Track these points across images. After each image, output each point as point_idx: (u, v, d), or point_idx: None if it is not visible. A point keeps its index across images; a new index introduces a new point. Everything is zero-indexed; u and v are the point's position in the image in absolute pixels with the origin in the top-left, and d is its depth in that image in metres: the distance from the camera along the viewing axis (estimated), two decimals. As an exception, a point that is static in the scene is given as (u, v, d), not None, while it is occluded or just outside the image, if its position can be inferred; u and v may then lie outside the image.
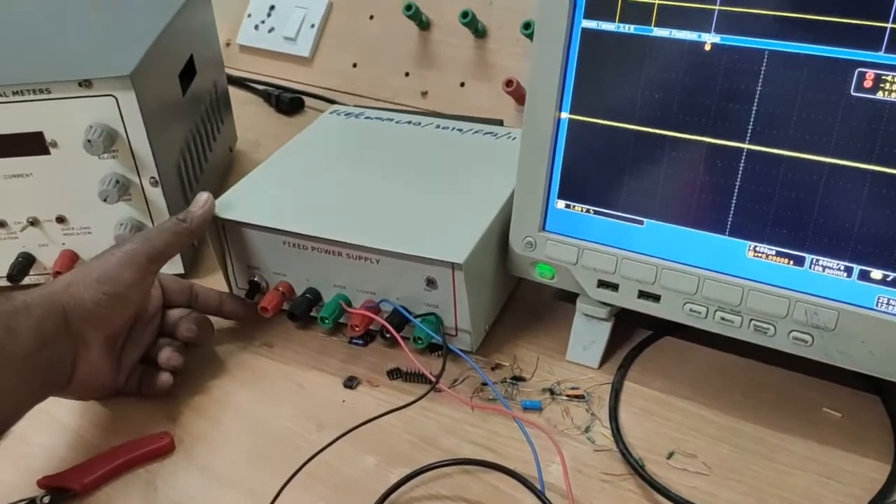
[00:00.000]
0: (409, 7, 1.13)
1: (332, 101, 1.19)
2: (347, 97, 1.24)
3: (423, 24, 1.16)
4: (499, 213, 0.72)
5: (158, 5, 0.91)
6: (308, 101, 1.24)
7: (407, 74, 1.20)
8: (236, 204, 0.76)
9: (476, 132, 0.87)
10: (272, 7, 1.35)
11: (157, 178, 0.78)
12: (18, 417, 0.61)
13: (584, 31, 0.64)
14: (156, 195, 0.80)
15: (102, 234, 0.81)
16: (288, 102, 1.22)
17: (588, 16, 0.63)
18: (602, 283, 0.68)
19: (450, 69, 1.16)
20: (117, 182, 0.77)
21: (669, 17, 0.60)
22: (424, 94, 1.17)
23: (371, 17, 1.25)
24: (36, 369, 0.60)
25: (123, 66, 0.74)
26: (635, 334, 0.74)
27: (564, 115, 0.66)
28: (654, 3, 0.60)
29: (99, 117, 0.75)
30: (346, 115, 0.95)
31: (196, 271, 0.86)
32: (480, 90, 1.14)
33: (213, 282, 0.81)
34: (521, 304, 0.79)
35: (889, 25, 0.53)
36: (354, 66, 1.26)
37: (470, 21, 1.09)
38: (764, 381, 0.69)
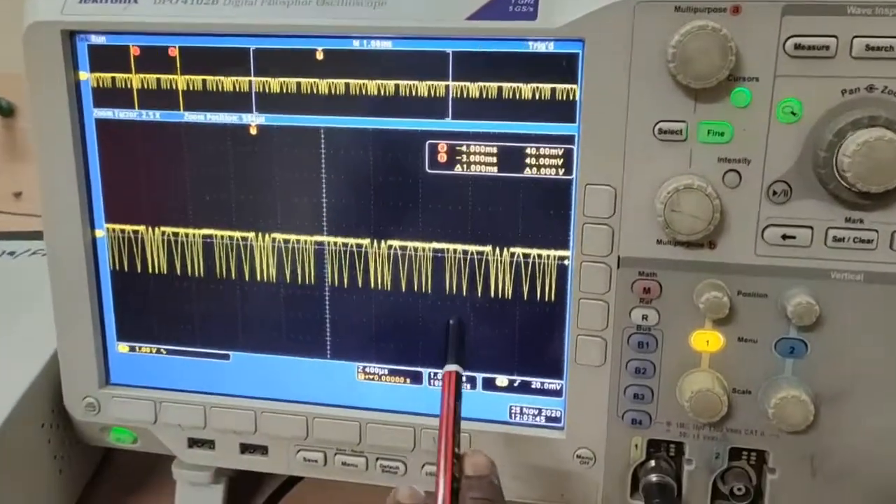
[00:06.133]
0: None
1: None
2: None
3: (4, 111, 0.94)
4: (44, 371, 0.53)
5: None
6: None
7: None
8: None
9: (34, 253, 0.67)
10: None
11: None
12: None
13: (99, 122, 0.48)
14: None
15: None
16: None
17: (99, 104, 0.48)
18: (194, 442, 0.52)
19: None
20: None
21: (198, 99, 0.47)
22: (18, 195, 0.95)
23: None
24: None
25: None
26: (267, 483, 0.59)
27: (101, 233, 0.50)
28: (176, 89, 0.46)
29: None
30: None
31: None
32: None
33: None
34: (117, 473, 0.60)
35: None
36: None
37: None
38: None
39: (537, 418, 0.48)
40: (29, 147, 0.95)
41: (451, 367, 0.42)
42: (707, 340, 0.43)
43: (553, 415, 0.48)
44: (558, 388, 0.47)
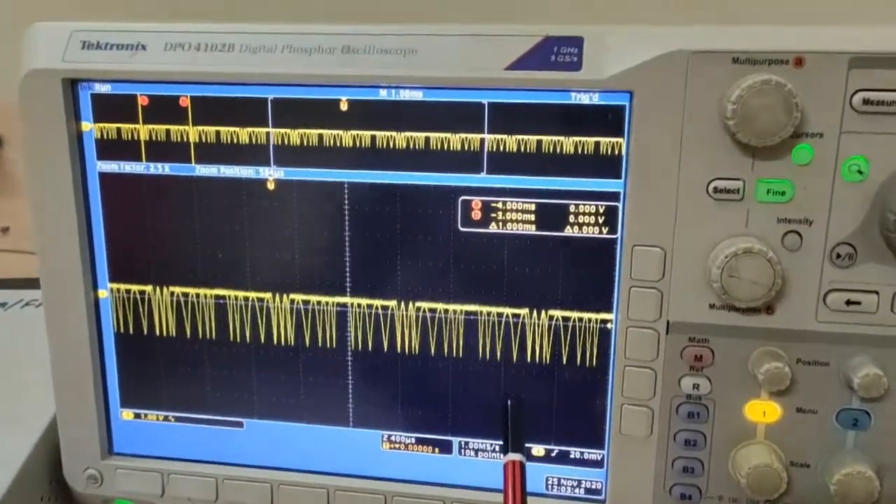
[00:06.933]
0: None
1: None
2: None
3: (-9, 142, 0.90)
4: (41, 440, 0.49)
5: None
6: None
7: (-18, 205, 0.92)
8: None
9: (27, 304, 0.63)
10: None
11: None
12: None
13: (103, 175, 0.45)
14: None
15: None
16: None
17: (103, 157, 0.45)
18: (205, 516, 0.49)
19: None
20: None
21: (211, 152, 0.43)
22: (5, 230, 0.91)
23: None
24: None
25: None
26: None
27: (104, 293, 0.47)
28: (187, 141, 0.43)
29: None
30: None
31: None
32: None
33: None
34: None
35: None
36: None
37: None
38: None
39: (576, 490, 0.45)
40: (17, 179, 0.91)
41: (515, 457, 0.38)
42: (763, 411, 0.40)
43: (593, 486, 0.45)
44: (599, 458, 0.44)
